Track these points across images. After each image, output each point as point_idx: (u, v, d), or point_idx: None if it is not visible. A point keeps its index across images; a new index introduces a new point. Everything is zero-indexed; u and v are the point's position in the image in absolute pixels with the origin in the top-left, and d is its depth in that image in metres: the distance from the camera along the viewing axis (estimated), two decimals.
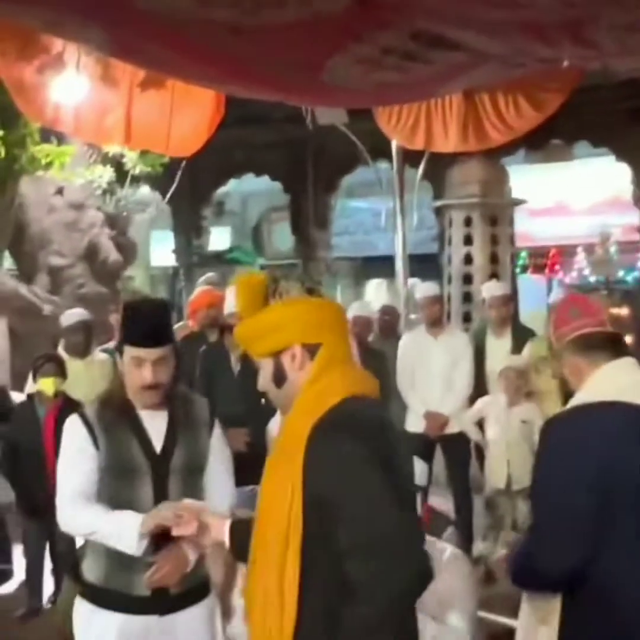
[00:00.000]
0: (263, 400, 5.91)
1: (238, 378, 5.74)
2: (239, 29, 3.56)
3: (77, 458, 2.93)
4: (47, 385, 4.94)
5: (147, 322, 2.96)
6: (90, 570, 2.86)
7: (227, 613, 3.87)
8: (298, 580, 1.98)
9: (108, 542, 2.74)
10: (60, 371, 5.06)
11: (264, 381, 2.17)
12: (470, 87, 5.99)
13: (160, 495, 2.86)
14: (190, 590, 2.93)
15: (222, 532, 2.43)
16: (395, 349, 6.33)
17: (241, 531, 2.32)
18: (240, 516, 2.77)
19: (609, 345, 2.37)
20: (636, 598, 2.13)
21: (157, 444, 2.92)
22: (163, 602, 2.83)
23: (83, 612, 2.86)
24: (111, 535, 2.74)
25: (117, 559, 2.75)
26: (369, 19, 3.81)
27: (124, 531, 2.71)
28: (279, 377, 2.14)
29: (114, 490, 2.89)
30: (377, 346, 6.61)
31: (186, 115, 5.44)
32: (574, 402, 2.31)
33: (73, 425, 2.94)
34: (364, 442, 1.96)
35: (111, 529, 2.74)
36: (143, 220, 15.22)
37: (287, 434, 2.10)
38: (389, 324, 6.98)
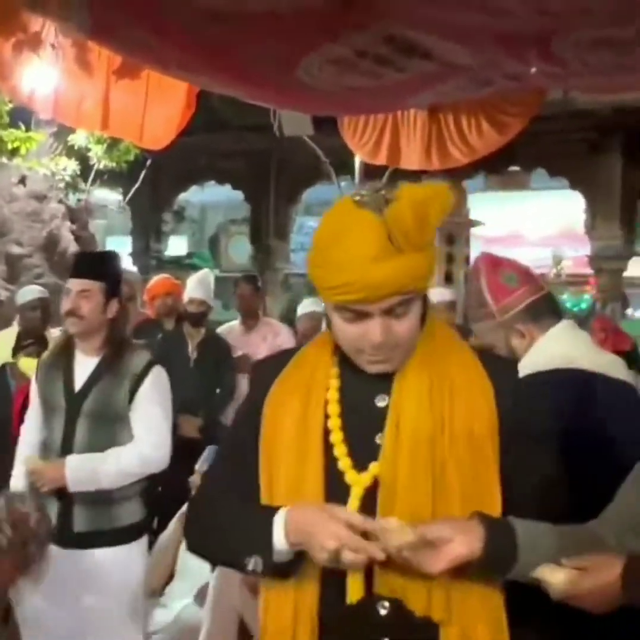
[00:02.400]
0: (218, 389, 6.03)
1: (194, 366, 5.81)
2: (220, 15, 3.65)
3: (29, 413, 3.28)
4: (29, 365, 4.88)
5: (77, 257, 3.49)
6: None
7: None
8: None
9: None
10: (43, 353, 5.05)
11: (414, 325, 1.61)
12: (436, 103, 6.14)
13: (70, 434, 3.09)
14: (101, 532, 3.06)
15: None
16: None
17: None
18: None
19: (552, 307, 2.44)
20: None
21: (78, 386, 3.08)
22: (66, 535, 3.00)
23: None
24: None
25: None
26: (347, 19, 3.93)
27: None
28: (424, 315, 1.65)
29: (43, 428, 3.20)
30: None
31: (159, 107, 5.51)
32: (533, 366, 2.23)
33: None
34: None
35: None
36: (100, 225, 15.20)
37: (441, 383, 1.62)
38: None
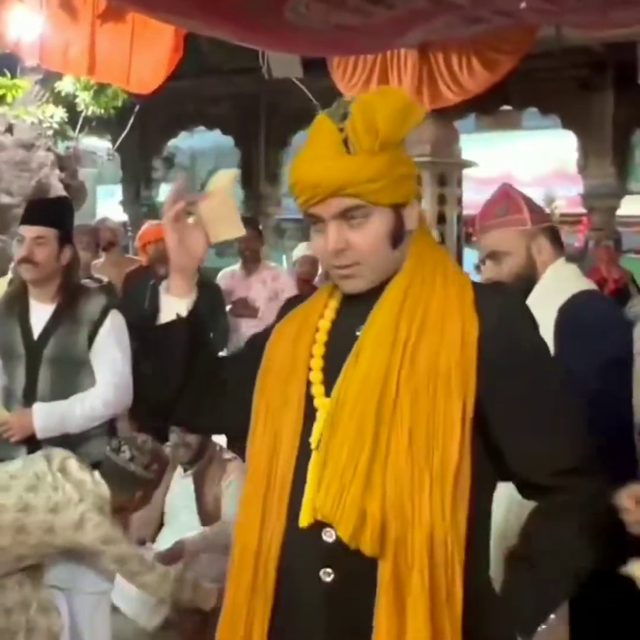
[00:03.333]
0: (213, 333, 6.03)
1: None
2: None
3: None
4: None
5: (31, 204, 3.43)
6: None
7: None
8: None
9: None
10: None
11: (375, 238, 1.61)
12: (426, 42, 6.08)
13: (32, 381, 3.17)
14: None
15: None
16: None
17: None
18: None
19: (560, 241, 2.70)
20: None
21: (37, 333, 3.12)
22: None
23: None
24: None
25: None
26: None
27: None
28: (399, 235, 1.63)
29: (3, 375, 3.24)
30: None
31: (146, 50, 5.47)
32: (568, 289, 2.55)
33: None
34: None
35: None
36: (90, 174, 15.06)
37: (414, 310, 1.60)
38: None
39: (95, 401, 3.18)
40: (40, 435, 3.15)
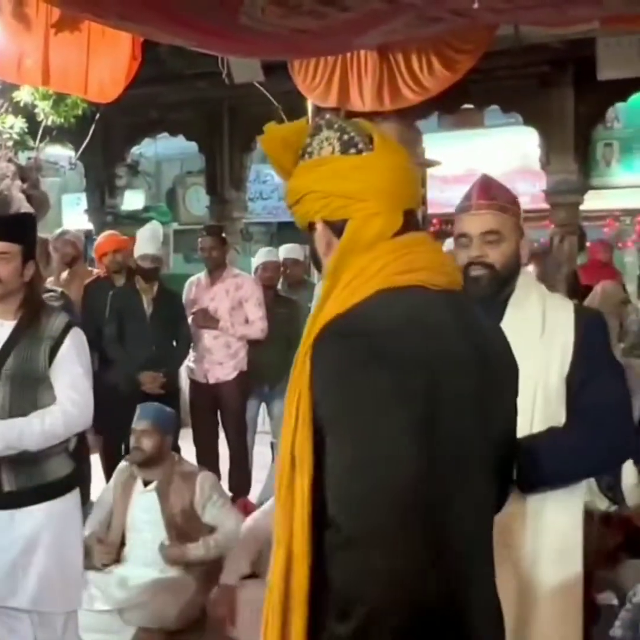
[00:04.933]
0: (175, 341, 6.00)
1: (150, 321, 5.78)
2: None
3: None
4: None
5: None
6: None
7: None
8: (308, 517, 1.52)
9: None
10: None
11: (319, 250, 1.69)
12: (386, 42, 6.07)
13: None
14: (30, 490, 3.09)
15: None
16: (303, 298, 6.48)
17: None
18: None
19: None
20: None
21: None
22: None
23: None
24: None
25: None
26: None
27: None
28: (315, 257, 1.71)
29: None
30: (286, 294, 6.76)
31: (103, 59, 5.42)
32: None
33: None
34: (370, 344, 1.51)
35: None
36: (54, 184, 14.95)
37: (305, 335, 1.60)
38: (294, 274, 7.08)
39: (55, 419, 3.12)
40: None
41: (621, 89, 8.25)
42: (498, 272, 2.41)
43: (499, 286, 2.43)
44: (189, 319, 6.12)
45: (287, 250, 7.04)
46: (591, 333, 2.38)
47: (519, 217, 2.49)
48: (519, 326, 2.24)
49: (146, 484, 4.40)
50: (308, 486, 1.50)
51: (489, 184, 2.51)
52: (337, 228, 1.63)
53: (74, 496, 3.29)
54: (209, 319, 6.14)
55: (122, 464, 4.57)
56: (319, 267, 1.69)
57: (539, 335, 2.37)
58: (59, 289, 5.91)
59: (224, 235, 6.64)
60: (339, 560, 1.48)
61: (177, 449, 6.18)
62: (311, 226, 1.66)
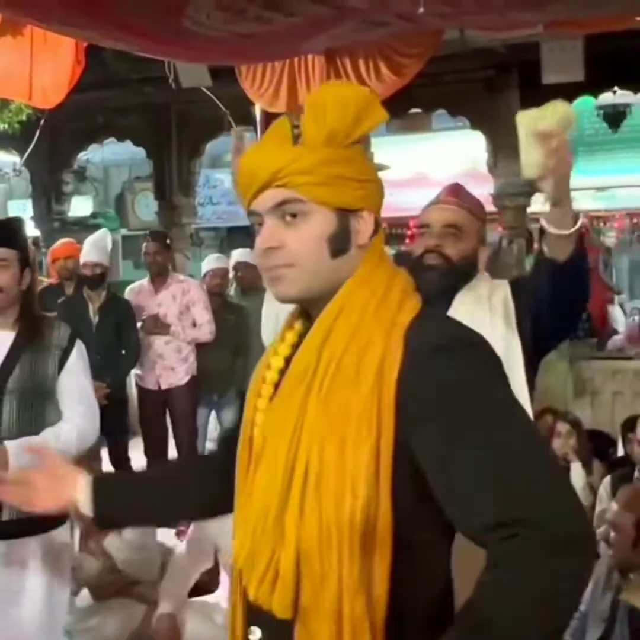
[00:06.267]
0: (124, 350, 5.95)
1: (96, 330, 5.74)
2: None
3: None
4: None
5: None
6: None
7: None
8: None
9: None
10: None
11: (310, 240, 1.49)
12: (333, 47, 6.08)
13: None
14: (28, 520, 2.96)
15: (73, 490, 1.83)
16: (254, 304, 6.45)
17: (106, 492, 1.82)
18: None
19: None
20: None
21: None
22: None
23: None
24: None
25: None
26: None
27: None
28: (341, 244, 1.50)
29: None
30: (235, 301, 6.74)
31: (47, 64, 5.36)
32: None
33: None
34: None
35: None
36: (0, 190, 14.74)
37: (336, 343, 1.44)
38: (247, 278, 7.01)
39: (69, 434, 2.98)
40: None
41: (566, 93, 8.29)
42: (453, 265, 2.45)
43: (452, 280, 2.46)
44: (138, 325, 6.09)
45: (240, 254, 7.01)
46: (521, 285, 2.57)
47: (483, 224, 2.57)
48: (470, 301, 2.40)
49: None
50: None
51: (459, 188, 2.66)
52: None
53: (65, 529, 3.14)
54: (159, 325, 6.14)
55: None
56: (336, 254, 1.49)
57: (488, 308, 2.45)
58: None
59: (168, 241, 6.62)
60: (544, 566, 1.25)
61: (127, 460, 6.12)
62: (283, 203, 1.48)
